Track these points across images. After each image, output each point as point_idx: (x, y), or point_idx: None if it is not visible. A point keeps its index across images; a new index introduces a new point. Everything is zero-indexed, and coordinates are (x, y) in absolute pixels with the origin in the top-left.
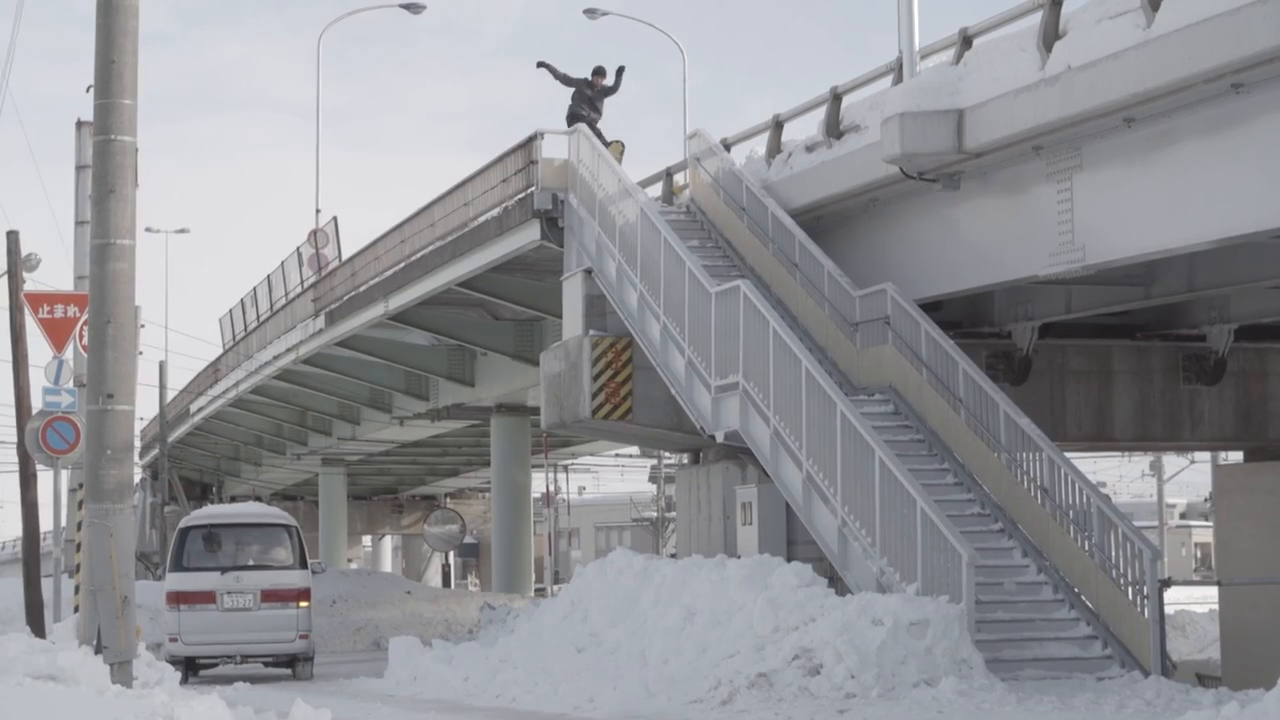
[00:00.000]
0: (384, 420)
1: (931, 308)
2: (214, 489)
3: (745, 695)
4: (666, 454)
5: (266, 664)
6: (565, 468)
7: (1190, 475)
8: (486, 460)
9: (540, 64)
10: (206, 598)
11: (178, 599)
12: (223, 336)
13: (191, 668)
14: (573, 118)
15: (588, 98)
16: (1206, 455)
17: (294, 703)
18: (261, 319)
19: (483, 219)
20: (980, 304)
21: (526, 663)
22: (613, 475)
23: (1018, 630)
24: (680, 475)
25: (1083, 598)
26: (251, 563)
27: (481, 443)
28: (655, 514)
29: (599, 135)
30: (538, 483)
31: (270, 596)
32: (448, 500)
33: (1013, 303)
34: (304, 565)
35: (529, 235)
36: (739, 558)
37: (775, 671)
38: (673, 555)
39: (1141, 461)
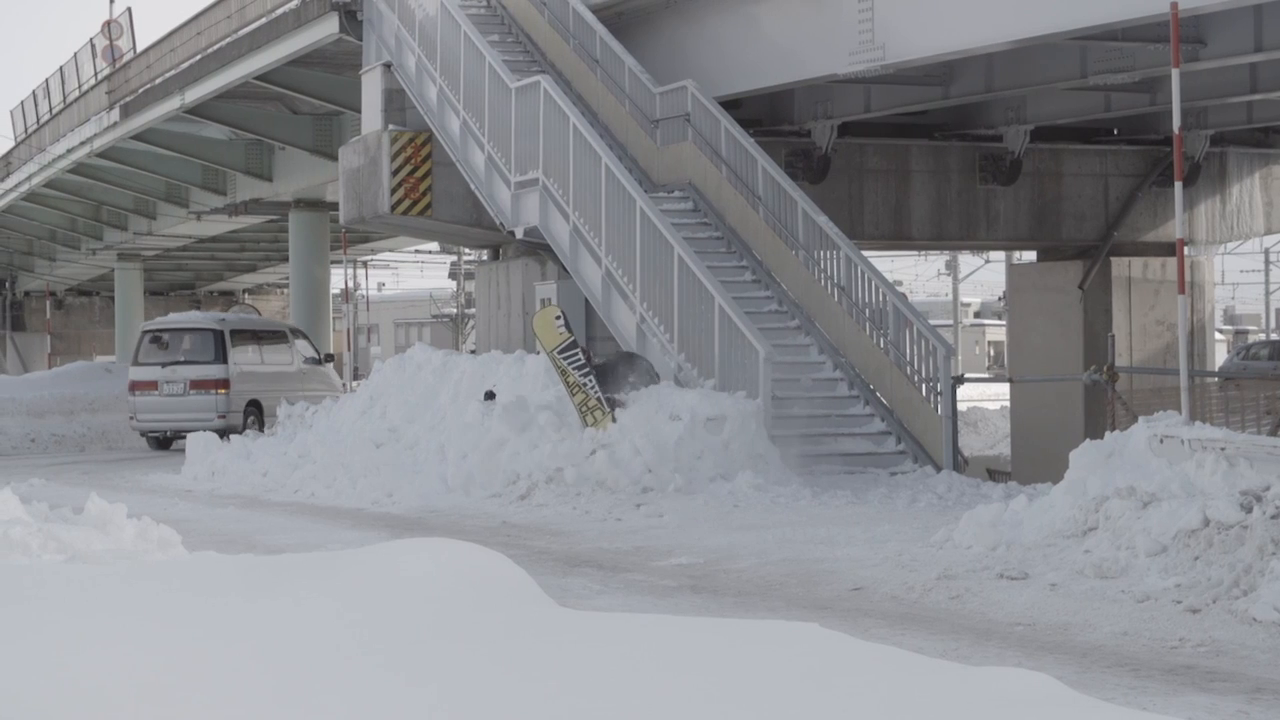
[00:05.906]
0: (181, 215)
1: (732, 105)
2: (7, 284)
3: (543, 490)
4: (466, 250)
5: (220, 434)
6: (365, 264)
7: (985, 274)
8: (285, 256)
9: None
10: (151, 385)
11: (134, 386)
12: (14, 129)
13: (162, 443)
14: None
15: None
16: (1001, 255)
17: (89, 498)
18: (54, 111)
19: (280, 11)
20: (780, 102)
21: (325, 458)
22: (413, 271)
23: (814, 426)
24: (480, 271)
25: (878, 394)
26: (183, 359)
27: (280, 238)
28: (455, 310)
29: None
30: (337, 279)
31: (196, 385)
32: (246, 296)
33: (812, 101)
34: (225, 361)
35: (327, 28)
36: (538, 353)
37: (573, 466)
38: (472, 351)
39: (937, 260)
